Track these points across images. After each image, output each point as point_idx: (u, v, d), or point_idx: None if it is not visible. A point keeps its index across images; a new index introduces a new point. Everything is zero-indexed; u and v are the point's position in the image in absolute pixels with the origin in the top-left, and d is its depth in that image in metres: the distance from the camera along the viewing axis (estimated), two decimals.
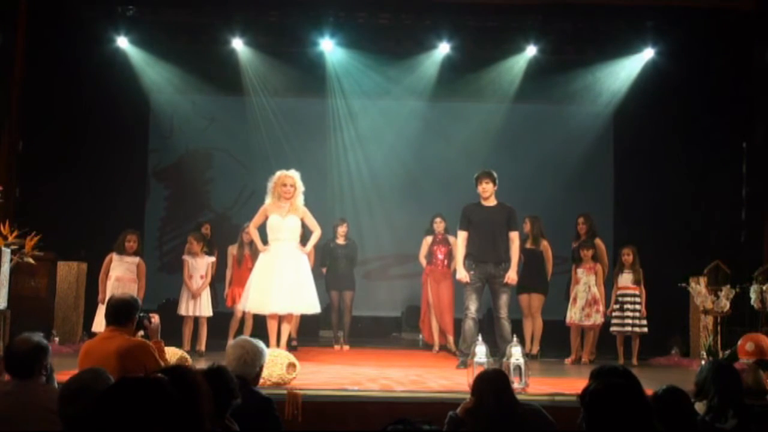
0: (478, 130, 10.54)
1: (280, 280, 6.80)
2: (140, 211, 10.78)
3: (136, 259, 7.64)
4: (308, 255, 7.69)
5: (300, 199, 7.01)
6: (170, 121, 10.98)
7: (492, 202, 6.96)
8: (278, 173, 7.02)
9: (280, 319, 6.93)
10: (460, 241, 7.01)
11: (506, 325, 6.74)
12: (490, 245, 6.84)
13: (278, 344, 6.76)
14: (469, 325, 6.73)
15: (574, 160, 10.51)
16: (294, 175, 7.00)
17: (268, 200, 7.01)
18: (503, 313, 6.79)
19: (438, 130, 10.80)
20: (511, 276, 6.85)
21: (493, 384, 3.38)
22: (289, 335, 7.38)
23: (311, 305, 6.99)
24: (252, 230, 7.18)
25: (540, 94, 10.31)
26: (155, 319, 4.18)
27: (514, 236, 6.96)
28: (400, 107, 10.77)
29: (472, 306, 6.78)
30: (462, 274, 6.85)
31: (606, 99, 10.40)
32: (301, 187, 7.01)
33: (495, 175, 6.94)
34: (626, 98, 10.19)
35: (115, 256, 7.61)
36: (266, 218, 6.99)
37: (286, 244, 6.93)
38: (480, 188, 6.94)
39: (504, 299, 6.81)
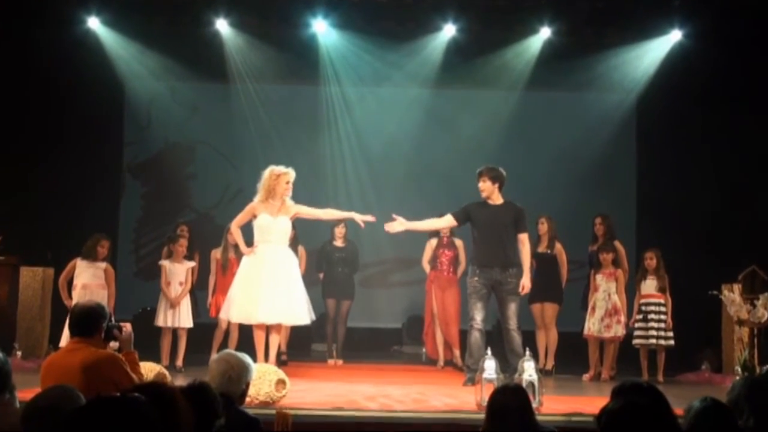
0: (486, 120, 10.53)
1: (268, 285, 6.77)
2: (114, 211, 10.76)
3: (104, 264, 7.68)
4: (300, 259, 7.69)
5: (289, 196, 7.02)
6: (147, 110, 10.96)
7: (498, 200, 6.96)
8: (275, 169, 6.95)
9: (268, 329, 6.92)
10: (442, 220, 7.09)
11: (516, 337, 6.74)
12: (495, 248, 6.84)
13: (267, 358, 6.75)
14: (475, 337, 6.73)
15: (592, 154, 10.50)
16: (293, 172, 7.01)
17: (258, 198, 6.99)
18: (512, 323, 6.78)
19: (443, 120, 10.79)
20: (525, 283, 6.85)
21: (515, 401, 3.35)
22: (278, 348, 7.37)
23: (302, 315, 6.97)
24: (234, 229, 7.12)
25: (555, 81, 10.30)
26: (127, 327, 4.16)
27: (524, 238, 6.96)
28: (400, 95, 10.76)
29: (478, 316, 6.77)
30: (400, 227, 6.82)
31: (628, 86, 10.38)
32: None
33: (498, 171, 6.95)
34: (650, 85, 10.17)
35: (80, 262, 7.63)
36: (253, 217, 6.97)
37: (275, 246, 6.92)
38: (479, 186, 6.95)
39: (513, 308, 6.81)
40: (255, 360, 6.34)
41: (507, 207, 6.98)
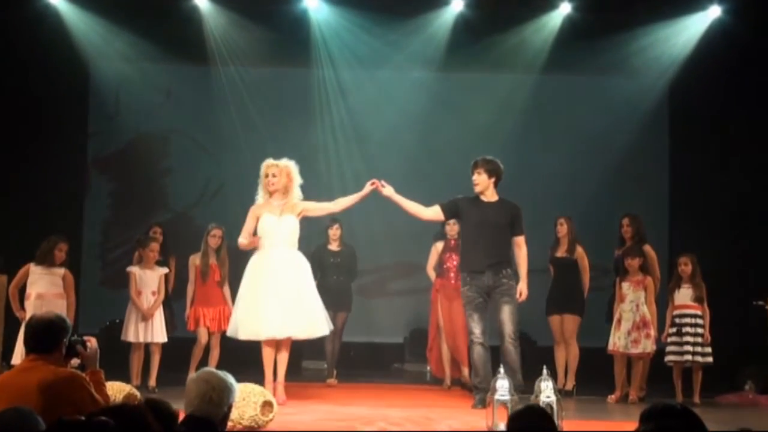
0: (499, 107, 10.54)
1: (276, 294, 6.79)
2: (77, 211, 10.76)
3: (62, 271, 7.68)
4: None
5: (296, 194, 7.06)
6: (115, 96, 10.96)
7: (492, 197, 7.02)
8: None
9: (278, 344, 6.92)
10: (428, 210, 7.13)
11: (511, 350, 6.83)
12: (488, 250, 6.90)
13: (275, 377, 6.78)
14: (477, 352, 6.79)
15: (618, 146, 10.53)
16: (281, 163, 7.04)
17: (259, 198, 7.06)
18: (507, 329, 6.85)
19: (449, 107, 10.82)
20: (522, 289, 6.92)
21: (538, 426, 3.33)
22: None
23: (319, 326, 6.99)
24: (242, 241, 7.01)
25: (576, 63, 10.30)
26: (92, 342, 4.15)
27: (521, 241, 7.05)
28: (402, 79, 10.77)
29: (477, 328, 6.85)
30: (390, 192, 6.97)
31: (659, 69, 10.38)
32: (297, 179, 7.08)
33: (496, 164, 7.01)
34: (685, 68, 10.17)
35: (34, 268, 7.62)
36: (258, 221, 6.99)
37: (282, 250, 6.93)
38: (472, 178, 6.96)
39: (507, 311, 6.88)
40: (263, 381, 6.42)
41: (502, 205, 7.02)
